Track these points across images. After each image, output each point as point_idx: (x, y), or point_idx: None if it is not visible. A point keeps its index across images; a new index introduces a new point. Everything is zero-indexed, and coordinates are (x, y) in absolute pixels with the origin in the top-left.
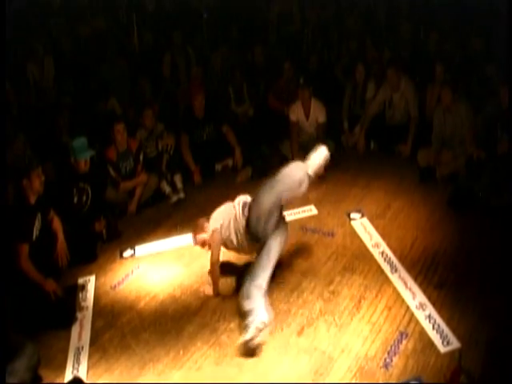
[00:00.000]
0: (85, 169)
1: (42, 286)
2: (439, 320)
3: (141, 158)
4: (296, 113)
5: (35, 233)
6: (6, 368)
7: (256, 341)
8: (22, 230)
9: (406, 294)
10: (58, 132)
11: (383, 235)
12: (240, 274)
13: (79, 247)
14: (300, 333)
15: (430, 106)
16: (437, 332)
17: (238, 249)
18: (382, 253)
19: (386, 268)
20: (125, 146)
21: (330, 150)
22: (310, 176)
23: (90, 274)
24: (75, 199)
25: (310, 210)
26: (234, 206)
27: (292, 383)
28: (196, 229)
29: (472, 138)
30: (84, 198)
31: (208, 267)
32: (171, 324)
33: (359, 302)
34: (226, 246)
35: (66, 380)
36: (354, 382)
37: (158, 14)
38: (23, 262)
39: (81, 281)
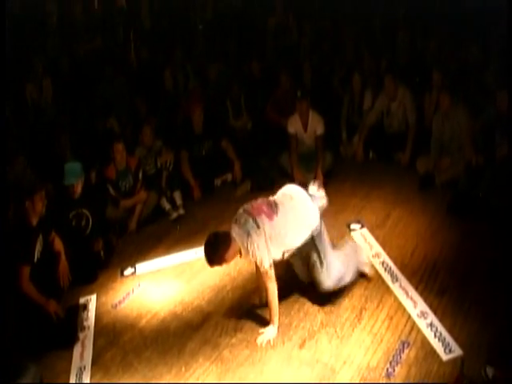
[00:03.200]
0: (77, 193)
1: (44, 308)
2: (441, 328)
3: (140, 176)
4: (294, 125)
5: (36, 255)
6: None
7: None
8: (23, 252)
9: (407, 303)
10: (59, 152)
11: (383, 245)
12: (241, 288)
13: (79, 267)
14: (302, 345)
15: (427, 114)
16: (439, 340)
17: None
18: (383, 263)
19: (387, 278)
20: (124, 165)
21: (328, 162)
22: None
23: (91, 293)
24: (73, 223)
25: None
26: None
27: None
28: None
29: (470, 143)
30: (83, 222)
31: (209, 283)
32: (173, 341)
33: (360, 312)
34: None
35: None
36: None
37: (154, 31)
38: (24, 284)
39: (82, 300)
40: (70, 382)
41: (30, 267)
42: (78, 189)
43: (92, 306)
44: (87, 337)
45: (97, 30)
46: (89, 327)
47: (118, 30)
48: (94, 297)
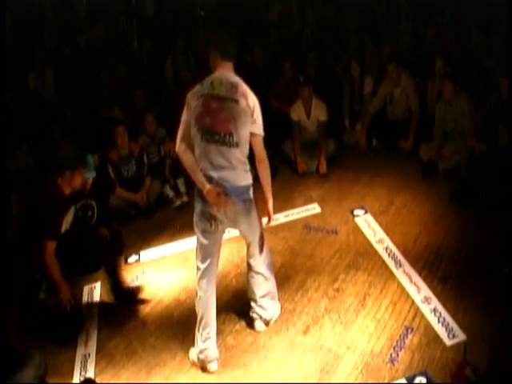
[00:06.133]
0: (88, 187)
1: (58, 290)
2: (444, 313)
3: (145, 159)
4: (297, 112)
5: (65, 226)
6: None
7: None
8: (50, 225)
9: (410, 289)
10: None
11: (387, 231)
12: (245, 275)
13: (84, 256)
14: (305, 331)
15: (430, 101)
16: (442, 325)
17: None
18: (386, 248)
19: (391, 263)
20: (127, 150)
21: (331, 149)
22: None
23: (95, 281)
24: (80, 214)
25: (314, 209)
26: None
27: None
28: None
29: (473, 131)
30: (90, 213)
31: None
32: (177, 328)
33: (364, 298)
34: None
35: None
36: (360, 378)
37: (157, 20)
38: (48, 258)
39: (86, 288)
40: (75, 370)
41: (56, 241)
42: (88, 184)
43: (96, 294)
44: (91, 325)
45: (99, 19)
46: (93, 315)
47: (120, 18)
48: (98, 285)
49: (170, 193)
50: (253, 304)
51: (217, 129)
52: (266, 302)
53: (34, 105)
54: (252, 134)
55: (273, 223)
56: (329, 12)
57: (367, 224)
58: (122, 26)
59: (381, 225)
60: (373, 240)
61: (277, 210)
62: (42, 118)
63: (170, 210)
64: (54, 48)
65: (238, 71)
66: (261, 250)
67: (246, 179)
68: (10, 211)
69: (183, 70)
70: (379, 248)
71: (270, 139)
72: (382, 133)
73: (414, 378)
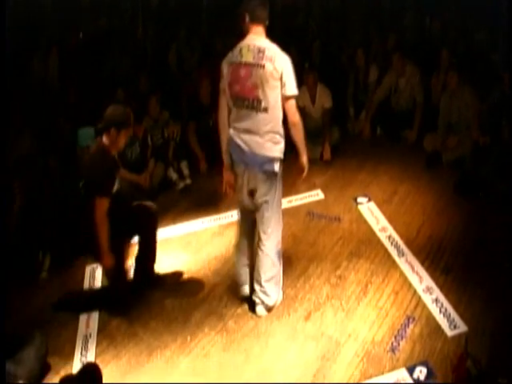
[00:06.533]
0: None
1: (101, 256)
2: (446, 303)
3: (149, 142)
4: (302, 98)
5: (116, 187)
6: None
7: None
8: (104, 181)
9: (412, 278)
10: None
11: (390, 220)
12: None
13: (85, 237)
14: (307, 318)
15: (435, 92)
16: (444, 316)
17: None
18: (389, 237)
19: (393, 252)
20: (131, 132)
21: (335, 137)
22: None
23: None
24: (82, 193)
25: (317, 195)
26: None
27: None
28: None
29: (477, 123)
30: None
31: (215, 254)
32: (178, 311)
33: (366, 286)
34: None
35: (74, 367)
36: (360, 366)
37: (161, 7)
38: (100, 217)
39: (88, 268)
40: (76, 350)
41: (109, 200)
42: None
43: (98, 274)
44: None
45: (104, 8)
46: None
47: (125, 7)
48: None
49: (174, 175)
50: (256, 287)
51: (245, 95)
52: (270, 287)
53: (38, 90)
54: (282, 97)
55: None
56: (336, 2)
57: (370, 212)
58: (127, 14)
59: (384, 214)
60: (376, 228)
61: None
62: (45, 103)
63: (173, 192)
64: (58, 33)
65: None
66: (272, 231)
67: (272, 151)
68: (13, 197)
69: (187, 57)
70: (382, 236)
71: None
72: (387, 122)
73: (414, 368)
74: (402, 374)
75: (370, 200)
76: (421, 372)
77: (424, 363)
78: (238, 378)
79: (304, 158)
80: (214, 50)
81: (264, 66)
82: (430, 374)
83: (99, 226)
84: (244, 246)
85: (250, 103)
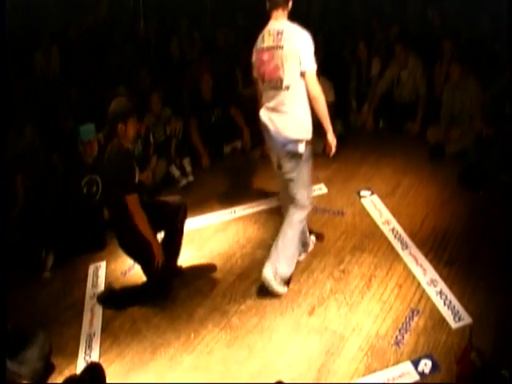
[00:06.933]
0: (93, 153)
1: (151, 246)
2: (450, 296)
3: (151, 138)
4: None
5: (137, 177)
6: (17, 356)
7: None
8: (129, 179)
9: (416, 271)
10: (63, 122)
11: (393, 213)
12: (250, 256)
13: (88, 235)
14: (311, 313)
15: (438, 83)
16: (448, 308)
17: None
18: (393, 230)
19: (397, 245)
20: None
21: (338, 130)
22: None
23: (101, 260)
24: (85, 190)
25: (320, 189)
26: None
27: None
28: None
29: (480, 114)
30: (94, 188)
31: (218, 251)
32: (182, 308)
33: (370, 280)
34: None
35: (78, 367)
36: (365, 360)
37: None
38: (135, 212)
39: (92, 267)
40: (80, 349)
41: (136, 193)
42: (94, 148)
43: (102, 273)
44: (96, 304)
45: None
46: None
47: None
48: (103, 264)
49: (176, 172)
50: (273, 252)
51: (270, 77)
52: (284, 256)
53: (40, 84)
54: (301, 73)
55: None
56: None
57: (373, 205)
58: (128, 6)
59: (387, 206)
60: (379, 221)
61: None
62: (47, 97)
63: (175, 189)
64: (59, 28)
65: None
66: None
67: (297, 132)
68: (15, 194)
69: (189, 49)
70: (385, 230)
71: None
72: (389, 115)
73: (419, 361)
74: (407, 367)
75: (373, 193)
76: (425, 365)
77: (429, 356)
78: (242, 374)
79: (329, 135)
80: (215, 43)
81: (283, 47)
82: (434, 367)
83: (139, 222)
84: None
85: (274, 83)
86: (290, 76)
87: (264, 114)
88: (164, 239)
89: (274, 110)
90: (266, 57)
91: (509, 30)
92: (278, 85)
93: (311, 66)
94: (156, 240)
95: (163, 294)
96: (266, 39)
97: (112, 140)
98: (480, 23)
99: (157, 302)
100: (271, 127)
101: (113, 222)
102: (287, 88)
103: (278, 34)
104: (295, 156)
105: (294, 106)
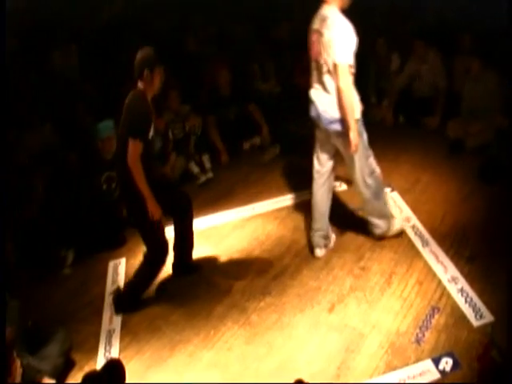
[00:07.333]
0: (110, 150)
1: (146, 201)
2: (471, 293)
3: (170, 136)
4: None
5: (151, 134)
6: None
7: None
8: (141, 124)
9: (437, 268)
10: (80, 120)
11: (413, 209)
12: (269, 252)
13: (107, 232)
14: (330, 310)
15: (457, 78)
16: (469, 305)
17: None
18: (413, 227)
19: (417, 242)
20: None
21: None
22: None
23: (120, 256)
24: (104, 187)
25: (340, 186)
26: None
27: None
28: None
29: (501, 108)
30: (113, 185)
31: (237, 247)
32: (200, 305)
33: (390, 277)
34: None
35: (98, 363)
36: (385, 358)
37: None
38: (134, 160)
39: (111, 264)
40: (99, 345)
41: (142, 145)
42: (112, 145)
43: (121, 270)
44: None
45: None
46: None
47: None
48: (123, 260)
49: (195, 169)
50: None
51: (316, 58)
52: (373, 219)
53: (59, 82)
54: (333, 64)
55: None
56: None
57: (393, 202)
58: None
59: (407, 203)
60: (399, 218)
61: (302, 187)
62: (66, 96)
63: (194, 186)
64: (76, 25)
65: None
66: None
67: (332, 111)
68: (34, 192)
69: (205, 45)
70: (406, 226)
71: (295, 115)
72: (409, 109)
73: (440, 358)
74: (428, 365)
75: (393, 190)
76: (446, 363)
77: (450, 354)
78: (261, 370)
79: (351, 133)
80: (231, 38)
81: (323, 34)
82: (455, 365)
83: (134, 170)
84: None
85: (319, 65)
86: (329, 63)
87: (312, 93)
88: (176, 237)
89: (317, 89)
90: (314, 38)
91: None
92: (322, 67)
93: (343, 59)
94: (152, 197)
95: (182, 291)
96: (315, 22)
97: (136, 88)
98: (499, 16)
99: (175, 299)
100: (317, 105)
101: (119, 179)
102: (329, 72)
103: (323, 19)
104: (337, 133)
105: (335, 90)
